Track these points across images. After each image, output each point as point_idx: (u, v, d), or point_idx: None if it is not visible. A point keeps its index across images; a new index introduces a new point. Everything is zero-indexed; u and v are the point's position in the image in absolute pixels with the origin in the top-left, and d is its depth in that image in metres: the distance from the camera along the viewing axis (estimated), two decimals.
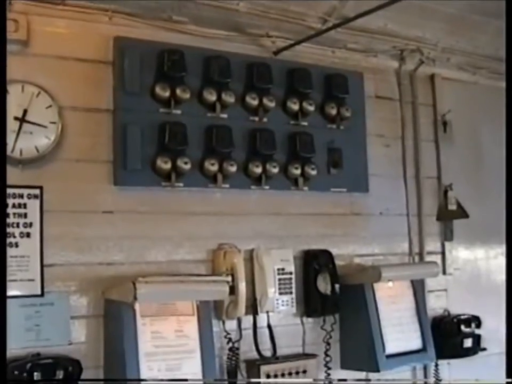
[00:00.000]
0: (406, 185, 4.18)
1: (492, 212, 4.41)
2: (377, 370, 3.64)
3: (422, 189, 4.24)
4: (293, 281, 3.56)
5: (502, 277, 4.55)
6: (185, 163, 3.24)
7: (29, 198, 2.97)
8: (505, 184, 3.20)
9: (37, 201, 3.00)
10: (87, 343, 3.09)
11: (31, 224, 2.98)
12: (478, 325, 4.21)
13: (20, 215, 2.95)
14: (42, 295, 2.98)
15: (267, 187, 3.52)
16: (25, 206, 2.97)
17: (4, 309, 2.50)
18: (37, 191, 3.00)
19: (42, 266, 2.99)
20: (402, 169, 4.19)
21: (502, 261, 4.60)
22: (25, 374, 2.76)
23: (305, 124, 3.68)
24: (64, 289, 3.05)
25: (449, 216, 4.29)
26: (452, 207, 4.27)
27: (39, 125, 2.99)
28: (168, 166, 3.22)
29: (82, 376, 2.92)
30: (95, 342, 3.10)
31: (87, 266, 3.11)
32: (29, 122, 2.96)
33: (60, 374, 2.84)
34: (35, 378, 2.78)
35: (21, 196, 2.95)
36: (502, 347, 4.38)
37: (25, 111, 2.95)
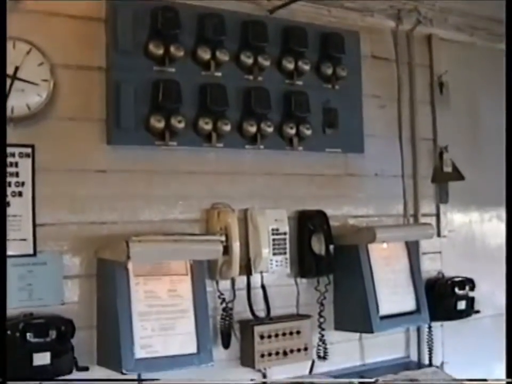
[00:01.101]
0: (402, 147, 4.15)
1: (487, 175, 4.42)
2: (371, 331, 3.65)
3: (417, 151, 4.21)
4: (287, 241, 3.54)
5: (496, 240, 4.59)
6: (179, 122, 3.21)
7: (20, 157, 2.94)
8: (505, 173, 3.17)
9: (29, 160, 2.96)
10: (80, 303, 3.08)
11: (23, 183, 2.95)
12: (472, 288, 4.21)
13: (11, 174, 2.91)
14: (34, 254, 2.96)
15: (262, 147, 3.49)
16: (16, 164, 2.93)
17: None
18: (29, 150, 2.96)
19: (34, 225, 2.96)
20: (398, 131, 4.16)
21: (496, 224, 4.62)
22: (17, 334, 2.75)
23: (301, 83, 3.64)
24: (57, 248, 3.03)
25: (445, 178, 4.28)
26: (447, 169, 4.25)
27: (30, 82, 2.94)
28: (161, 124, 3.18)
29: (75, 336, 2.90)
30: (88, 302, 3.08)
31: (79, 226, 3.09)
32: (20, 79, 2.91)
33: (52, 334, 2.83)
34: (28, 338, 2.76)
35: (13, 155, 2.91)
36: (495, 310, 4.45)
37: (16, 68, 2.90)
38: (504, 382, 3.00)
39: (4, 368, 2.49)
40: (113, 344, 2.96)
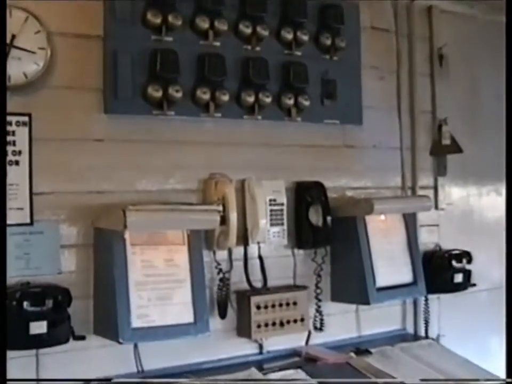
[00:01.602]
0: (400, 119, 4.14)
1: (486, 148, 4.41)
2: (368, 303, 3.65)
3: (416, 123, 4.19)
4: (285, 212, 3.54)
5: (494, 214, 4.59)
6: (177, 91, 3.19)
7: (17, 126, 2.92)
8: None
9: (26, 129, 2.94)
10: (77, 272, 3.08)
11: (19, 152, 2.93)
12: (469, 261, 4.21)
13: (8, 143, 2.89)
14: (31, 223, 2.95)
15: (260, 117, 3.47)
16: (13, 133, 2.92)
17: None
18: (26, 119, 2.94)
19: (31, 194, 2.95)
20: (396, 103, 4.14)
21: (494, 198, 4.62)
22: (14, 303, 2.75)
23: (299, 53, 3.61)
24: (54, 218, 3.02)
25: (443, 151, 4.26)
26: (446, 141, 4.24)
27: (27, 50, 2.91)
28: (159, 94, 3.16)
29: (72, 306, 2.91)
30: (84, 271, 3.09)
31: (76, 195, 3.08)
32: (17, 47, 2.88)
33: (49, 303, 2.83)
34: (24, 307, 2.77)
35: (9, 123, 2.89)
36: (492, 284, 4.47)
37: (13, 36, 2.87)
38: (504, 382, 3.00)
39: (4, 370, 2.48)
40: (109, 314, 2.96)
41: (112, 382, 3.00)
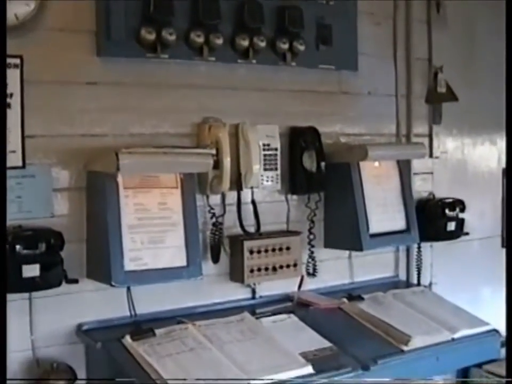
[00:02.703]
0: (396, 66, 4.10)
1: (482, 98, 4.39)
2: (361, 249, 3.66)
3: (412, 70, 4.16)
4: (278, 157, 3.52)
5: (488, 163, 4.59)
6: (170, 34, 3.14)
7: (8, 68, 2.87)
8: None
9: (17, 71, 2.90)
10: (70, 215, 3.07)
11: (11, 95, 2.89)
12: (462, 209, 4.21)
13: None
14: (23, 166, 2.93)
15: (254, 61, 3.43)
16: None
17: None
18: (17, 61, 2.90)
19: (23, 137, 2.92)
20: (392, 49, 4.10)
21: (489, 148, 4.61)
22: (7, 246, 2.73)
23: None
24: (46, 161, 3.00)
25: (438, 99, 4.24)
26: (442, 89, 4.21)
27: None
28: (152, 36, 3.12)
29: (65, 249, 2.91)
30: (77, 215, 3.08)
31: (69, 138, 3.06)
32: None
33: (42, 246, 2.83)
34: (17, 250, 2.77)
35: None
36: (484, 233, 4.49)
37: None
38: (505, 382, 3.01)
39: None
40: (102, 257, 2.96)
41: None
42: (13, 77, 2.89)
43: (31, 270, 2.79)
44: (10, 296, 2.71)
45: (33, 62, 2.93)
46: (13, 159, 2.90)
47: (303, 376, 2.86)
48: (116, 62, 3.15)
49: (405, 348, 3.24)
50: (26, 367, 3.00)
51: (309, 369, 2.89)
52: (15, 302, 2.85)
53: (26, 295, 2.94)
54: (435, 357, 3.31)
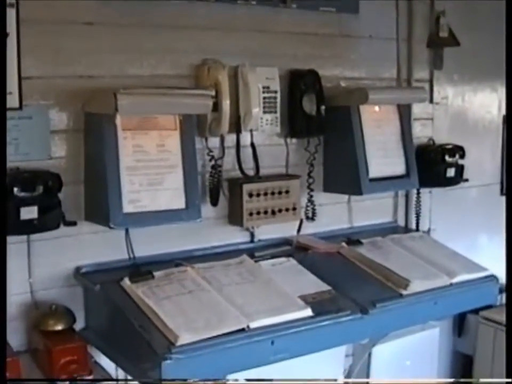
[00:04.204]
0: (398, 9, 4.02)
1: (484, 43, 4.34)
2: (360, 193, 3.64)
3: (413, 14, 4.08)
4: (278, 100, 3.48)
5: (488, 110, 4.56)
6: None
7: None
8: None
9: (13, 10, 2.83)
10: (67, 157, 3.04)
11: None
12: (462, 156, 4.19)
13: None
14: (20, 108, 2.88)
15: (254, 2, 3.38)
16: None
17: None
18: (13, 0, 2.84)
19: (20, 78, 2.86)
20: None
21: (490, 94, 4.58)
22: None
23: None
24: (43, 102, 2.96)
25: (440, 43, 4.18)
26: (443, 34, 4.15)
27: None
28: None
29: (63, 192, 2.89)
30: (75, 157, 3.05)
31: (66, 79, 3.01)
32: None
33: (39, 189, 2.80)
34: (15, 192, 2.74)
35: None
36: (483, 180, 4.48)
37: None
38: (504, 382, 3.01)
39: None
40: (101, 199, 2.94)
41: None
42: (8, 16, 2.82)
43: (29, 212, 2.77)
44: (8, 239, 2.68)
45: (29, 0, 2.86)
46: (10, 100, 2.83)
47: (302, 319, 2.86)
48: (113, 2, 3.08)
49: (404, 292, 3.24)
50: (25, 310, 3.00)
51: (308, 312, 2.89)
52: (13, 245, 2.83)
53: (24, 237, 2.92)
54: (433, 302, 3.31)
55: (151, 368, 2.60)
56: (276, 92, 3.47)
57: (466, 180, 4.28)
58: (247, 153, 3.44)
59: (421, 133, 4.21)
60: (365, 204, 3.90)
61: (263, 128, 3.46)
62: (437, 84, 4.27)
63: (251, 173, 3.46)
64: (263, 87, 3.43)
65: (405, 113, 3.89)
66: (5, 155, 2.64)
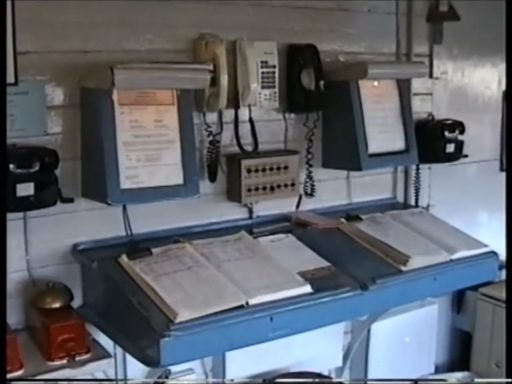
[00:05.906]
0: None
1: (484, 18, 4.30)
2: (359, 169, 3.62)
3: None
4: (276, 75, 3.45)
5: (488, 85, 4.53)
6: None
7: None
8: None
9: None
10: (64, 133, 3.02)
11: None
12: (462, 131, 4.16)
13: None
14: (16, 83, 2.85)
15: None
16: None
17: None
18: None
19: (15, 53, 2.83)
20: None
21: (490, 70, 4.55)
22: None
23: None
24: (39, 77, 2.93)
25: (440, 18, 4.14)
26: (443, 8, 4.11)
27: None
28: None
29: (59, 168, 2.87)
30: (71, 133, 3.02)
31: (62, 54, 2.97)
32: None
33: (36, 165, 2.78)
34: (11, 169, 2.72)
35: None
36: (483, 156, 4.46)
37: None
38: (504, 382, 2.99)
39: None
40: (98, 175, 2.92)
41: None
42: None
43: (25, 189, 2.76)
44: None
45: None
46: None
47: (301, 295, 2.85)
48: None
49: (404, 268, 3.23)
50: (22, 287, 3.00)
51: (307, 288, 2.88)
52: (10, 222, 2.80)
53: (21, 214, 2.91)
54: (433, 278, 3.30)
55: (150, 345, 2.59)
56: (274, 66, 3.44)
57: (466, 156, 4.25)
58: (245, 128, 3.42)
59: (420, 108, 4.17)
60: (364, 179, 3.88)
61: (262, 103, 3.43)
62: (436, 59, 4.24)
63: (249, 148, 3.44)
64: (261, 62, 3.39)
65: (404, 89, 3.85)
66: (5, 132, 2.61)
